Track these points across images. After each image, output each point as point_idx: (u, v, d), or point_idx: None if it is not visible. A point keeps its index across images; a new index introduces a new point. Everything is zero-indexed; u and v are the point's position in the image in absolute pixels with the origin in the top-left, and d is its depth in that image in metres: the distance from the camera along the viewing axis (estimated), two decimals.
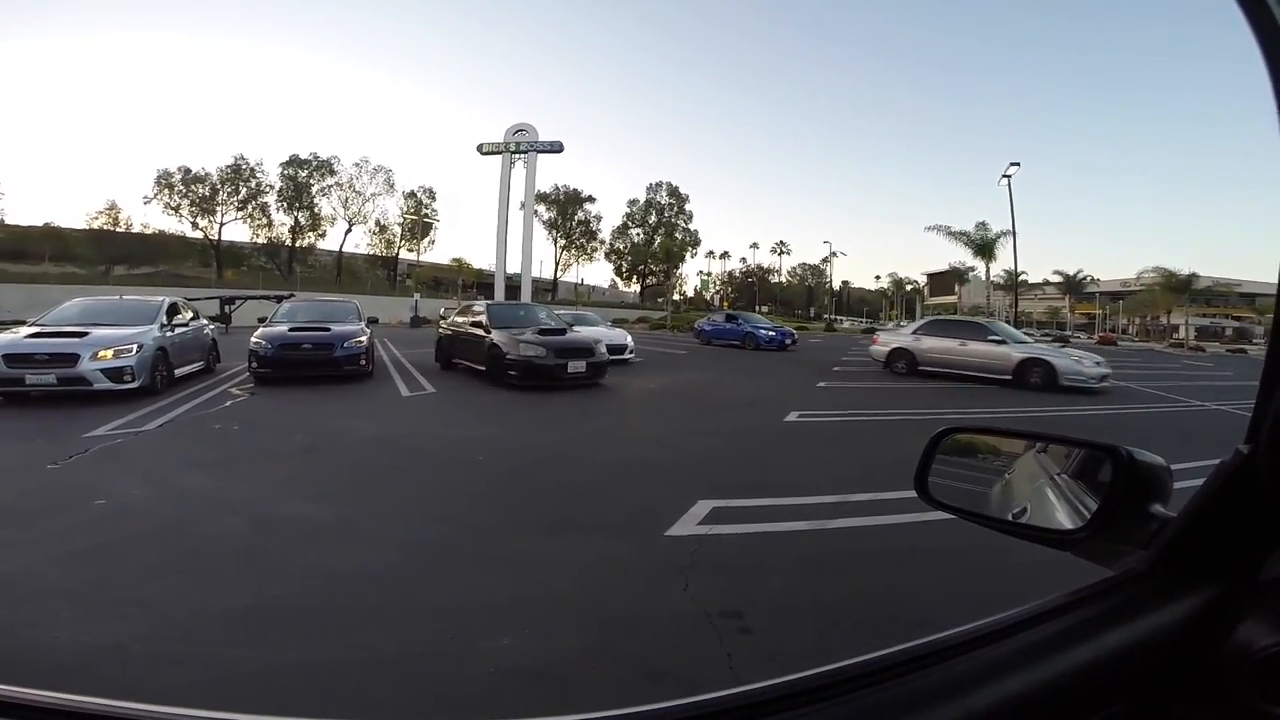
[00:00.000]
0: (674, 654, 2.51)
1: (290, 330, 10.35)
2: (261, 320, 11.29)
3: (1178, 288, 44.91)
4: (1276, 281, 0.69)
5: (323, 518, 4.04)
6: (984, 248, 36.25)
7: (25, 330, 8.39)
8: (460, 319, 12.34)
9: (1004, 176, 27.37)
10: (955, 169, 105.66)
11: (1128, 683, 0.62)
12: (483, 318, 11.23)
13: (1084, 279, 55.30)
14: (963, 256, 42.57)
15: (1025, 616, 0.64)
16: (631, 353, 15.10)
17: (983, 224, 36.68)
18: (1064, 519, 0.86)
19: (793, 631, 2.74)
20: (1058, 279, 56.06)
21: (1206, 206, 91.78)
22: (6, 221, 44.69)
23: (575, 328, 12.68)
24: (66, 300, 9.65)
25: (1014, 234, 29.56)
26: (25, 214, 49.19)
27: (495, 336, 10.48)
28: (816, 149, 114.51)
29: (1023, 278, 35.66)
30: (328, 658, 2.38)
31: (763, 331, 22.75)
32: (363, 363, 10.47)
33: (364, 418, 7.60)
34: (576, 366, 10.25)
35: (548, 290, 57.72)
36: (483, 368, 10.73)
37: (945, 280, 64.18)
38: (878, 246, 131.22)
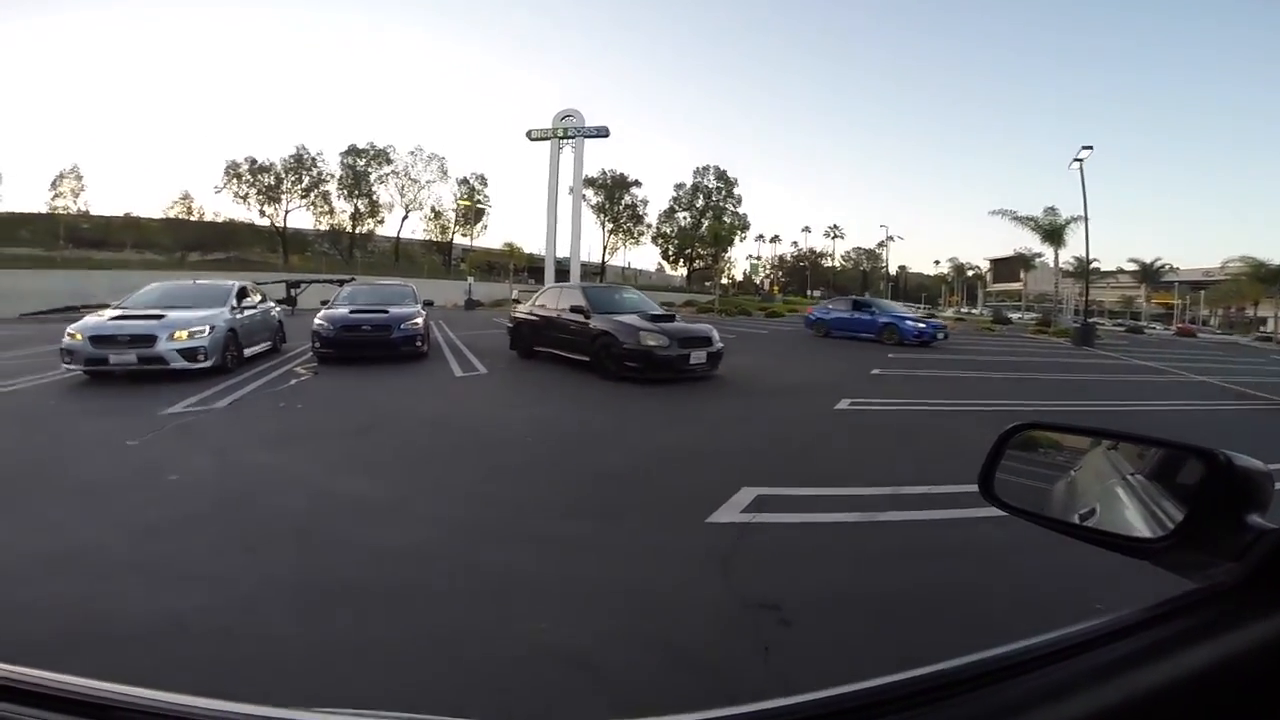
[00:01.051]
0: (710, 644, 2.48)
1: (351, 313, 10.71)
2: (324, 303, 11.64)
3: (1267, 278, 41.55)
4: None
5: (378, 495, 4.19)
6: (1053, 233, 34.41)
7: (109, 313, 8.94)
8: (546, 303, 11.20)
9: (1075, 160, 25.80)
10: (1020, 152, 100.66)
11: (1212, 705, 0.57)
12: (582, 302, 10.15)
13: (1161, 267, 51.86)
14: (1028, 242, 40.66)
15: (1101, 632, 0.59)
16: None
17: (1052, 209, 34.83)
18: (1139, 524, 0.78)
19: (833, 626, 2.66)
20: (1133, 267, 52.79)
21: None
22: (92, 213, 47.97)
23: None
24: (146, 285, 10.23)
25: (1085, 219, 27.91)
26: (108, 205, 52.50)
27: (602, 324, 9.47)
28: (872, 130, 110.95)
29: (1094, 265, 33.59)
30: (370, 636, 2.44)
31: (909, 323, 17.78)
32: (419, 344, 10.77)
33: (420, 397, 7.87)
34: (698, 357, 9.37)
35: (596, 274, 57.94)
36: (584, 358, 9.72)
37: (1010, 266, 61.55)
38: (937, 230, 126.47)
